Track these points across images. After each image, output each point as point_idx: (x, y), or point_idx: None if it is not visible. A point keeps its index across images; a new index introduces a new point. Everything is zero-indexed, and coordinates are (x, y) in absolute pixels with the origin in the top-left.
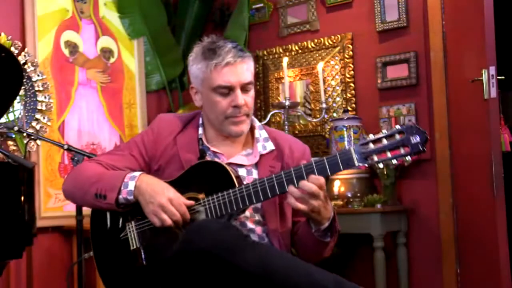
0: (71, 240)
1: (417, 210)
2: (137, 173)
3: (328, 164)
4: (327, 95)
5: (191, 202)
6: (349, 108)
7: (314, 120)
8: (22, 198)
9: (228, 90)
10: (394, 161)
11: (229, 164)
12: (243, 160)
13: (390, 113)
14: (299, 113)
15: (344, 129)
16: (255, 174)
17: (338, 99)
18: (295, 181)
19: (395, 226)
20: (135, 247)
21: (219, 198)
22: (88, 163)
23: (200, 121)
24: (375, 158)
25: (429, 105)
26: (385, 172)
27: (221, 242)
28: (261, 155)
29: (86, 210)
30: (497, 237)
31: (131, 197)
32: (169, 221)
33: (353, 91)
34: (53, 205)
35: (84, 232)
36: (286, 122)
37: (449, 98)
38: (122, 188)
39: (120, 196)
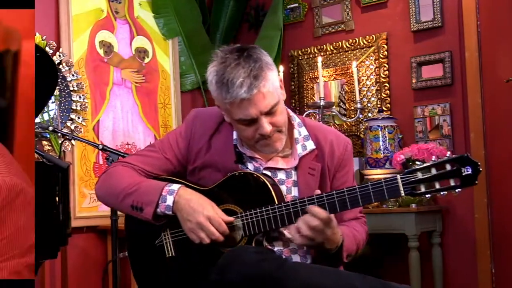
0: (105, 240)
1: (452, 210)
2: (175, 187)
3: (372, 193)
4: (362, 95)
5: (231, 219)
6: (384, 108)
7: (349, 120)
8: (57, 198)
9: (250, 121)
10: (443, 193)
11: (268, 168)
12: (282, 164)
13: (425, 113)
14: (334, 113)
15: (379, 129)
16: (294, 176)
17: (373, 99)
18: (337, 206)
19: (430, 226)
20: (170, 255)
21: (257, 214)
22: (122, 168)
23: None
24: (423, 188)
25: (464, 105)
26: None
27: (256, 275)
28: (301, 157)
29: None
30: None
31: (169, 212)
32: (207, 240)
33: (387, 91)
34: (88, 205)
35: (119, 232)
36: (320, 122)
37: (484, 98)
38: (160, 202)
39: (158, 210)
